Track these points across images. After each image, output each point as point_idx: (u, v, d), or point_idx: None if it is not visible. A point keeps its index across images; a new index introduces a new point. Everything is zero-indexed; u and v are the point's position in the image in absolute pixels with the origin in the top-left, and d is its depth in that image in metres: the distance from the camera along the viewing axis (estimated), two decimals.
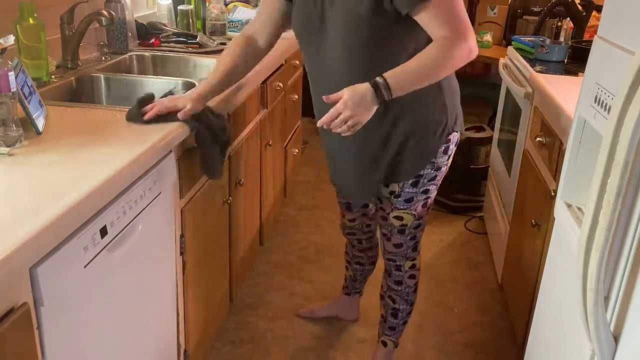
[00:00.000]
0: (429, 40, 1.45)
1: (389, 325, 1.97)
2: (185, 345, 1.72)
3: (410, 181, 1.67)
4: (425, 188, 1.69)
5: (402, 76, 1.42)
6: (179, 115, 1.47)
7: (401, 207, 1.71)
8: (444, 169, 1.70)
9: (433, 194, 1.73)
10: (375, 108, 1.42)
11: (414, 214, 1.73)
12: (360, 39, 1.48)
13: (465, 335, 2.25)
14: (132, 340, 1.37)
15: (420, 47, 1.45)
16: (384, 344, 2.01)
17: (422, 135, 1.61)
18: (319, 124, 1.45)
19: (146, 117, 1.44)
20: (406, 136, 1.61)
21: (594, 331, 1.00)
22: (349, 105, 1.38)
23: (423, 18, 1.42)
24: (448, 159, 1.69)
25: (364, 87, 1.39)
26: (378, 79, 1.40)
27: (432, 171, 1.66)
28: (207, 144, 1.56)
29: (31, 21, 1.68)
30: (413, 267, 1.86)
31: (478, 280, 2.61)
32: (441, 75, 1.48)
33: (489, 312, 2.39)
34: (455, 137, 1.68)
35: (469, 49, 1.44)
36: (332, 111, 1.40)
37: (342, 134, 1.43)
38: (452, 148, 1.69)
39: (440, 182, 1.72)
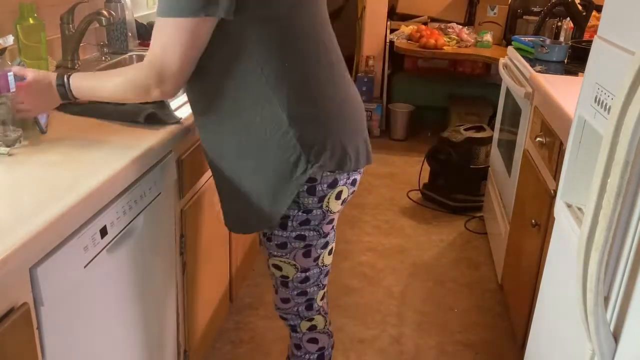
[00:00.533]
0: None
1: None
2: (185, 345, 1.72)
3: None
4: (298, 233, 1.38)
5: (86, 81, 1.30)
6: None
7: (276, 254, 1.43)
8: (318, 212, 1.36)
9: (315, 241, 1.41)
10: (57, 101, 1.31)
11: (295, 265, 1.44)
12: None
13: (465, 335, 2.25)
14: (132, 340, 1.37)
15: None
16: None
17: (255, 174, 1.32)
18: None
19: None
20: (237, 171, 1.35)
21: (594, 331, 1.00)
22: (33, 104, 1.30)
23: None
24: (321, 202, 1.35)
25: (50, 87, 1.30)
26: (65, 82, 1.29)
27: (301, 213, 1.35)
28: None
29: (31, 21, 1.68)
30: (313, 329, 1.57)
31: (478, 280, 2.62)
32: (120, 100, 1.31)
33: (489, 312, 2.40)
34: (327, 177, 1.32)
35: (158, 93, 1.23)
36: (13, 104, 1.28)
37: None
38: (324, 189, 1.33)
39: (322, 228, 1.40)
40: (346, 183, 1.38)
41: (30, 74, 1.30)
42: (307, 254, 1.43)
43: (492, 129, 3.16)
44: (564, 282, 1.31)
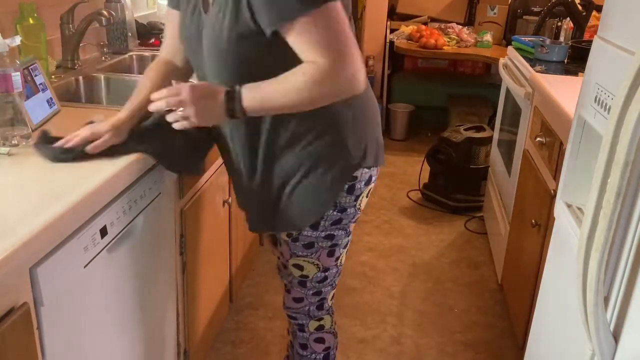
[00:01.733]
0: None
1: None
2: (185, 345, 1.72)
3: None
4: (328, 233, 1.40)
5: (259, 94, 1.20)
6: (88, 149, 1.23)
7: (300, 254, 1.43)
8: (352, 211, 1.40)
9: (342, 240, 1.44)
10: (221, 116, 1.21)
11: (318, 265, 1.45)
12: (224, 62, 1.25)
13: (465, 335, 2.25)
14: (132, 340, 1.37)
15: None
16: None
17: (310, 172, 1.33)
18: (151, 96, 1.25)
19: (67, 145, 1.23)
20: (291, 173, 1.34)
21: (594, 331, 1.00)
22: (193, 92, 1.20)
23: (290, 38, 1.16)
24: (357, 200, 1.39)
25: (220, 87, 1.21)
26: (236, 87, 1.20)
27: (335, 212, 1.37)
28: (166, 155, 1.36)
29: (31, 21, 1.69)
30: (320, 328, 1.58)
31: (478, 280, 2.62)
32: (307, 104, 1.21)
33: (489, 312, 2.40)
34: (365, 174, 1.37)
35: (350, 75, 1.17)
36: (172, 89, 1.22)
37: (169, 120, 1.23)
38: (362, 187, 1.38)
39: (350, 227, 1.43)
40: (374, 180, 1.43)
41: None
42: (331, 254, 1.44)
43: (492, 129, 3.16)
44: (564, 282, 1.31)
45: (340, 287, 2.48)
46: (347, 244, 1.47)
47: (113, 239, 1.19)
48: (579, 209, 1.32)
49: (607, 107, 1.10)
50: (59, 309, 1.03)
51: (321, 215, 1.36)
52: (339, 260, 1.49)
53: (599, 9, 2.99)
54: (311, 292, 1.51)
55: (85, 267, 1.09)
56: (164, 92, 1.22)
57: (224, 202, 1.94)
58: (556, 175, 1.76)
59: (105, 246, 1.16)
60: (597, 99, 1.16)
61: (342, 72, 1.17)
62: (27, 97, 1.37)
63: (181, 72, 1.47)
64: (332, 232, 1.40)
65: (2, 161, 1.19)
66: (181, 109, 1.21)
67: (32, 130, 1.33)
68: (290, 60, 1.18)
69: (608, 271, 1.02)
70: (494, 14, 4.01)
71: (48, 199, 1.02)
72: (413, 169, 3.75)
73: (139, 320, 1.40)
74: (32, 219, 0.95)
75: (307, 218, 1.37)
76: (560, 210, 1.37)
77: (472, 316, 2.36)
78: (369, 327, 2.25)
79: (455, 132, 3.27)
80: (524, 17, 3.77)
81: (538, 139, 2.02)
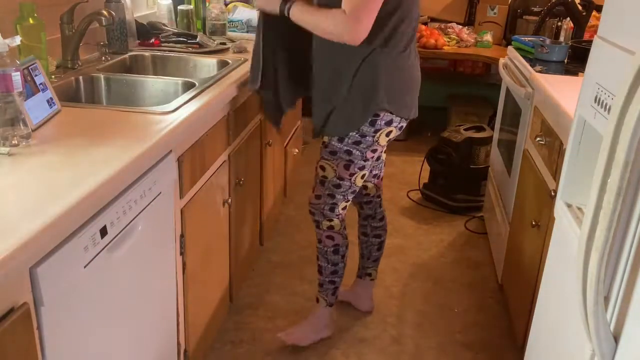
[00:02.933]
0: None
1: (318, 282, 2.11)
2: (185, 345, 1.72)
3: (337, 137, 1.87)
4: (348, 149, 1.85)
5: (302, 15, 1.73)
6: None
7: (326, 157, 1.89)
8: (370, 139, 1.84)
9: (358, 161, 1.87)
10: (277, 7, 1.77)
11: (335, 170, 1.89)
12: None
13: (465, 335, 2.25)
14: (132, 340, 1.37)
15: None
16: (317, 299, 2.14)
17: (349, 100, 1.80)
18: None
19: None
20: (339, 98, 1.82)
21: (594, 331, 1.00)
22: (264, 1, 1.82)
23: None
24: (376, 133, 1.83)
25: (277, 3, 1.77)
26: (289, 4, 1.75)
27: (357, 135, 1.83)
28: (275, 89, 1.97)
29: (31, 21, 1.69)
30: (331, 228, 1.99)
31: (478, 280, 2.62)
32: (320, 32, 1.72)
33: (489, 312, 2.40)
34: (386, 117, 1.81)
35: (352, 31, 1.62)
36: None
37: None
38: (383, 125, 1.83)
39: (366, 153, 1.86)
40: (397, 126, 1.87)
41: None
42: (347, 167, 1.88)
43: (492, 129, 3.16)
44: (564, 282, 1.31)
45: (340, 287, 2.49)
46: (361, 167, 1.89)
47: (113, 239, 1.19)
48: (579, 209, 1.32)
49: (607, 107, 1.10)
50: (59, 309, 1.03)
51: (347, 132, 1.83)
52: (353, 177, 1.90)
53: (599, 9, 2.99)
54: (327, 192, 1.94)
55: (85, 267, 1.09)
56: None
57: (224, 202, 1.94)
58: (556, 175, 1.75)
59: (105, 246, 1.16)
60: (597, 99, 1.16)
61: (349, 27, 1.62)
62: (27, 97, 1.37)
63: None
64: (350, 149, 1.85)
65: (2, 161, 1.19)
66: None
67: (32, 130, 1.33)
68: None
69: (608, 271, 1.02)
70: (494, 14, 4.01)
71: (48, 199, 1.02)
72: (413, 169, 3.75)
73: (139, 320, 1.40)
74: (32, 219, 0.95)
75: (338, 130, 1.84)
76: (560, 210, 1.37)
77: (472, 316, 2.36)
78: (369, 327, 2.25)
79: (455, 132, 3.27)
80: (524, 17, 3.77)
81: (538, 139, 2.02)
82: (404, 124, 1.90)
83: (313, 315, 2.15)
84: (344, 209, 1.99)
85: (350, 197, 1.96)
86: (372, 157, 1.90)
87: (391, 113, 1.82)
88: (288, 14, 1.75)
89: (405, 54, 1.81)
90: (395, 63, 1.79)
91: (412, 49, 1.85)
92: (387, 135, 1.87)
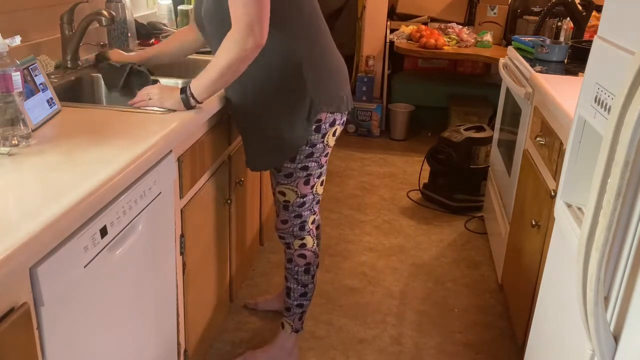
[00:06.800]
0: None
1: (285, 306, 2.02)
2: (185, 345, 1.73)
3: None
4: (303, 165, 1.76)
5: (203, 81, 1.54)
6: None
7: (283, 182, 1.80)
8: (321, 146, 1.75)
9: (315, 171, 1.79)
10: (178, 98, 1.56)
11: (296, 191, 1.81)
12: (216, 25, 1.63)
13: (465, 335, 2.25)
14: (132, 340, 1.37)
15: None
16: (282, 325, 2.04)
17: (277, 116, 1.69)
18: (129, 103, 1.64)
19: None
20: (260, 118, 1.72)
21: (594, 331, 1.00)
22: (159, 96, 1.58)
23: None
24: (324, 137, 1.74)
25: (176, 91, 1.56)
26: (186, 87, 1.55)
27: (307, 147, 1.73)
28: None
29: None
30: (303, 246, 1.92)
31: (478, 280, 2.62)
32: (232, 70, 1.53)
33: (489, 312, 2.40)
34: (328, 117, 1.72)
35: (250, 34, 1.46)
36: (142, 94, 1.61)
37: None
38: (327, 128, 1.73)
39: (321, 160, 1.78)
40: (339, 123, 1.79)
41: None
42: (306, 182, 1.80)
43: (492, 129, 3.16)
44: (564, 282, 1.31)
45: (340, 287, 2.49)
46: (319, 175, 1.82)
47: (113, 239, 1.19)
48: (579, 209, 1.32)
49: (607, 107, 1.10)
50: (59, 309, 1.03)
51: (296, 151, 1.73)
52: (314, 189, 1.84)
53: (599, 9, 2.99)
54: (293, 215, 1.86)
55: (85, 267, 1.09)
56: (135, 100, 1.61)
57: (223, 202, 1.94)
58: (556, 175, 1.76)
59: (105, 246, 1.16)
60: (597, 99, 1.16)
61: (244, 45, 1.48)
62: (27, 97, 1.37)
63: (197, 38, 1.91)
64: (306, 164, 1.77)
65: (2, 161, 1.19)
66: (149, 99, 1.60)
67: (32, 130, 1.33)
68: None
69: (608, 271, 1.02)
70: (494, 14, 4.02)
71: (48, 199, 1.02)
72: (413, 169, 3.75)
73: (139, 320, 1.40)
74: (32, 219, 0.95)
75: (286, 154, 1.74)
76: (560, 210, 1.37)
77: (472, 316, 2.36)
78: (369, 327, 2.25)
79: (455, 132, 3.27)
80: (524, 17, 3.77)
81: (538, 139, 2.02)
82: (345, 118, 1.82)
83: (277, 342, 2.02)
84: (313, 222, 1.92)
85: (316, 208, 1.90)
86: (326, 160, 1.83)
87: (332, 113, 1.73)
88: (195, 99, 1.55)
89: (320, 42, 1.69)
90: (314, 56, 1.66)
91: (321, 34, 1.71)
92: (334, 134, 1.79)
